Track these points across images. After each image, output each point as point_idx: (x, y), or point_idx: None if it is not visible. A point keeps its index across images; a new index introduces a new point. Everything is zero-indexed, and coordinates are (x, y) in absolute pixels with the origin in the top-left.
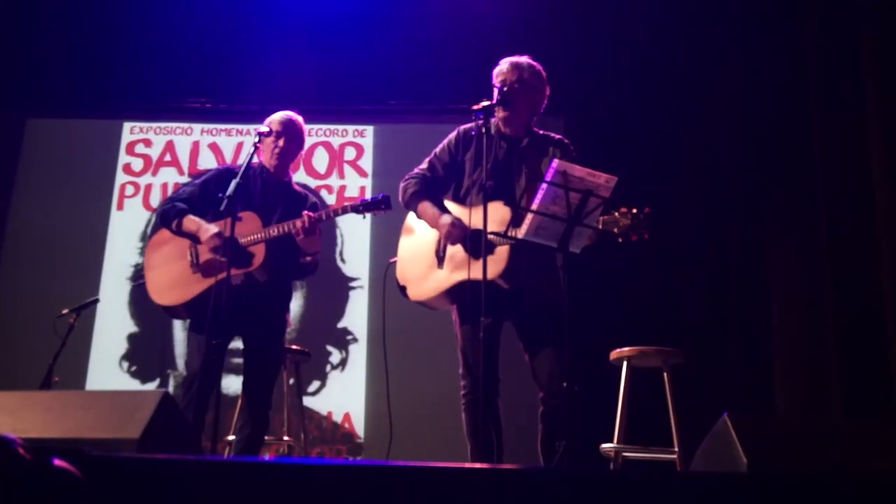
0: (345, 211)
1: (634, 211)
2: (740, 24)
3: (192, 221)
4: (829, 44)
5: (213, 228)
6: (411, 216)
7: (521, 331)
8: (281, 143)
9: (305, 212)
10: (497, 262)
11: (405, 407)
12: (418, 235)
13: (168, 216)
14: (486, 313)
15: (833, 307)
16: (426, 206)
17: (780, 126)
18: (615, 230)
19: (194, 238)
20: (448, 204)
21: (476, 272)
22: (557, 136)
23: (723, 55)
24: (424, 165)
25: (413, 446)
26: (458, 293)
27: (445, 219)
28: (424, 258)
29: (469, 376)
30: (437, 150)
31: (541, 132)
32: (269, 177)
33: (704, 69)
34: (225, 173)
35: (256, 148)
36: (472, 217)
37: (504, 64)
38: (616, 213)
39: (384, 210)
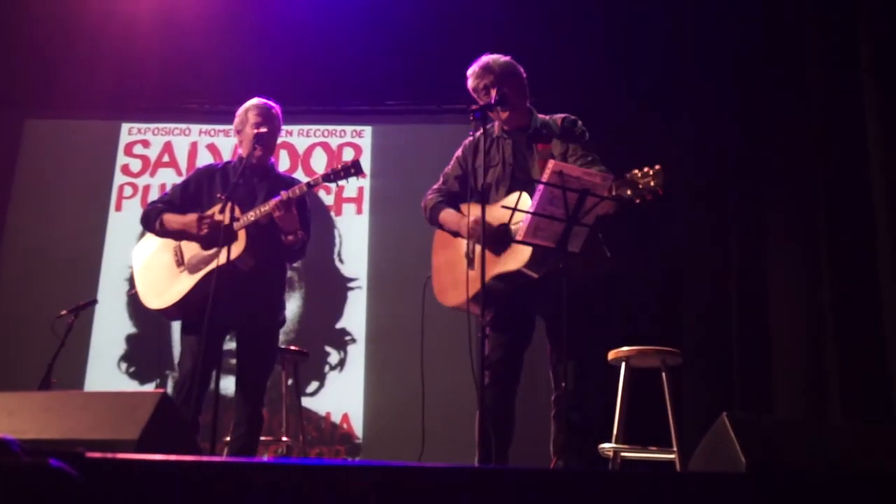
0: (318, 182)
1: (646, 169)
2: (741, 26)
3: (172, 218)
4: (828, 42)
5: (193, 216)
6: (438, 233)
7: (549, 323)
8: (265, 132)
9: (283, 191)
10: (521, 251)
11: (407, 406)
12: (448, 244)
13: (149, 218)
14: (519, 308)
15: (832, 307)
16: (448, 214)
17: (781, 125)
18: (629, 192)
19: (178, 236)
20: (464, 208)
21: (500, 267)
22: (561, 116)
23: (724, 55)
24: (439, 181)
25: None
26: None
27: (465, 219)
28: (458, 263)
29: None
30: (448, 166)
31: (546, 117)
32: (249, 166)
33: (706, 68)
34: (204, 172)
35: (257, 147)
36: (490, 213)
37: (475, 73)
38: (627, 176)
39: (355, 175)
